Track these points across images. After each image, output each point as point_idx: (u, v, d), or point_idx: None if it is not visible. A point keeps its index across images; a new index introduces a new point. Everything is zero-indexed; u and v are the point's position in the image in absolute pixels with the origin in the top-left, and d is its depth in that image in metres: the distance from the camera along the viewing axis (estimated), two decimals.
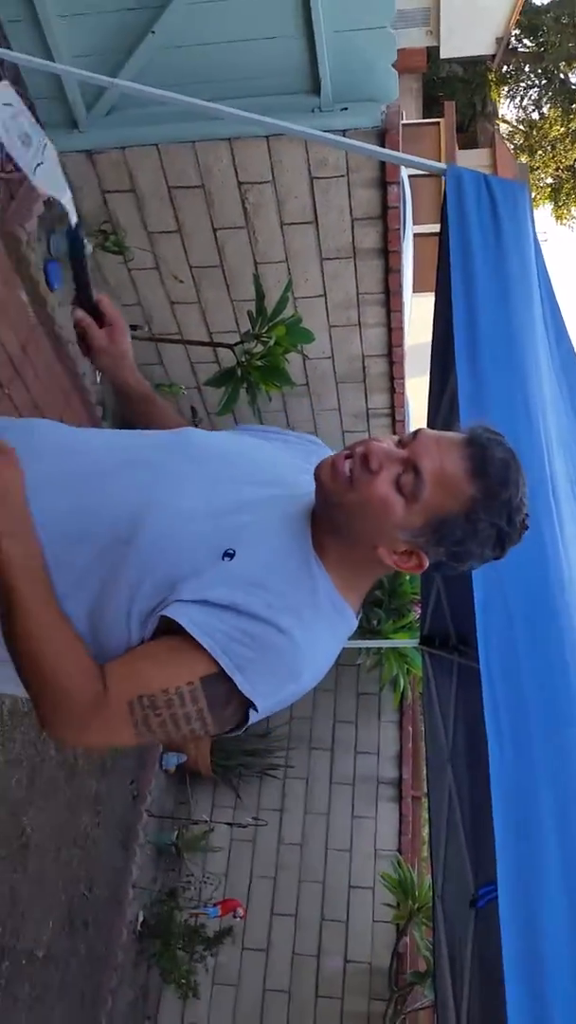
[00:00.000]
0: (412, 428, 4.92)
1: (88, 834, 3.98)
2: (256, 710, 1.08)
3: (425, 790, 4.85)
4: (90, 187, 3.57)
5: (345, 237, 3.65)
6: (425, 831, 4.99)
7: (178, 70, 3.20)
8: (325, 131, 2.53)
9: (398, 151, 3.38)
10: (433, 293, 2.59)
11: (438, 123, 13.73)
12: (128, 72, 3.18)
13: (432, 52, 17.67)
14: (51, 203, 3.59)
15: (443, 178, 2.47)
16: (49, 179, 1.26)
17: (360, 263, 3.72)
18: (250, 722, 1.11)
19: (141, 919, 4.45)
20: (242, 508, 1.15)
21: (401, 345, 3.99)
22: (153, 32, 3.12)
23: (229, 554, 1.09)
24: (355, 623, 1.20)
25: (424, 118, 16.35)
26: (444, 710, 3.67)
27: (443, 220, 2.54)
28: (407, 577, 4.96)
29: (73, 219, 1.30)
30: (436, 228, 2.62)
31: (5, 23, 3.13)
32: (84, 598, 1.10)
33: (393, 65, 3.22)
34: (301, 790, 5.34)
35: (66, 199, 1.26)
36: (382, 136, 3.29)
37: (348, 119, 3.28)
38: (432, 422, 2.65)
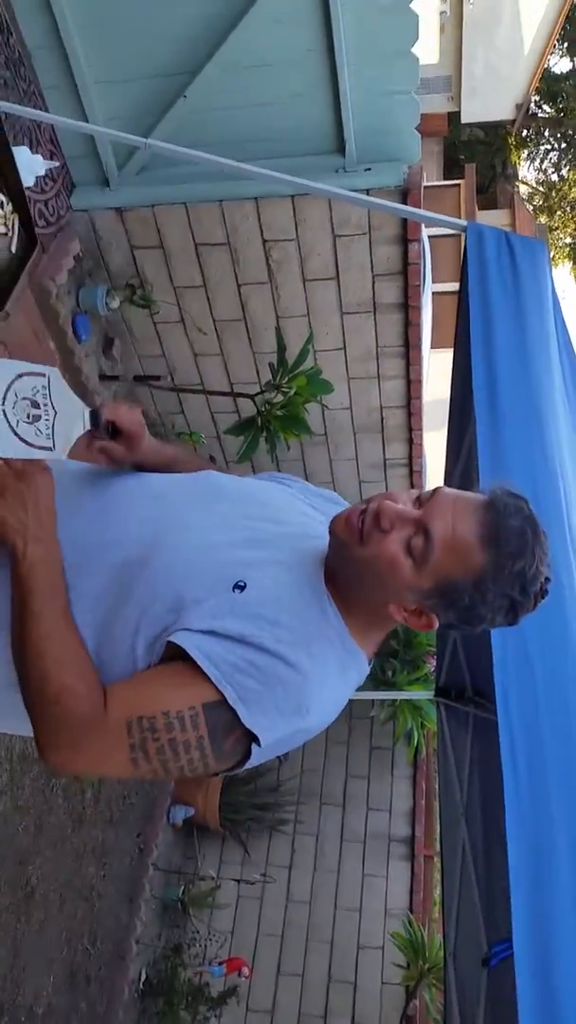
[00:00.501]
0: (429, 478, 4.93)
1: (93, 886, 3.92)
2: (259, 745, 1.05)
3: (438, 849, 4.75)
4: (119, 243, 3.67)
5: (366, 292, 3.72)
6: (437, 891, 4.88)
7: (208, 132, 3.31)
8: (349, 190, 2.62)
9: (418, 204, 3.47)
10: (451, 349, 2.63)
11: (459, 184, 14.01)
12: (160, 134, 3.29)
13: (453, 117, 18.17)
14: (80, 258, 3.68)
15: (463, 235, 2.53)
16: (69, 426, 1.17)
17: (380, 317, 3.78)
18: (252, 760, 1.08)
19: (144, 977, 4.34)
20: (256, 543, 1.15)
21: (419, 397, 4.03)
22: (185, 96, 3.24)
23: (240, 586, 1.08)
24: (367, 668, 1.19)
25: (445, 180, 16.73)
26: (459, 763, 3.62)
27: (463, 275, 2.59)
28: None
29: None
30: (455, 287, 2.67)
31: (45, 89, 3.26)
32: (93, 621, 1.10)
33: (416, 128, 3.32)
34: (311, 846, 5.25)
35: (83, 417, 1.18)
36: (404, 195, 3.38)
37: (371, 179, 3.38)
38: (450, 474, 2.67)
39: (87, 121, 3.24)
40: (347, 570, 1.11)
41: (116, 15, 3.07)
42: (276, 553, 1.15)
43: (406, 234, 3.52)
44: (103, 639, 1.09)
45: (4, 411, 1.08)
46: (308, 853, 5.22)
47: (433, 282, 6.63)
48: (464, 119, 18.15)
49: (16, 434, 1.08)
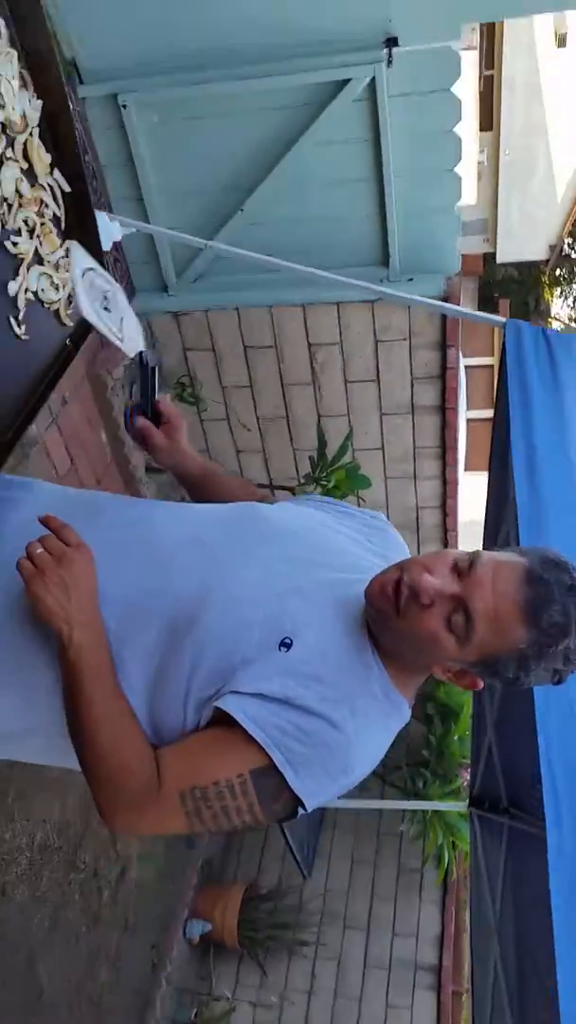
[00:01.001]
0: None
1: (103, 995, 3.71)
2: (305, 809, 1.08)
3: (467, 985, 4.44)
4: (173, 344, 3.89)
5: (405, 394, 3.86)
6: None
7: (262, 243, 3.54)
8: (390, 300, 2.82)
9: (458, 320, 3.64)
10: (486, 472, 2.70)
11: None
12: (208, 255, 3.56)
13: (489, 257, 19.05)
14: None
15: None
16: (131, 331, 1.33)
17: (418, 419, 3.91)
18: (298, 816, 1.10)
19: None
20: (301, 593, 1.15)
21: (455, 497, 4.10)
22: (242, 210, 3.50)
23: (286, 644, 1.09)
24: (408, 715, 1.19)
25: None
26: (492, 876, 3.46)
27: (501, 368, 2.68)
28: (455, 737, 4.80)
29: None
30: (489, 413, 2.76)
31: (115, 200, 3.55)
32: (144, 673, 1.12)
33: (457, 242, 3.54)
34: (332, 971, 4.93)
35: (140, 340, 1.32)
36: (444, 302, 3.55)
37: (413, 288, 3.56)
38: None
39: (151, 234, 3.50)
40: (385, 636, 1.12)
41: (182, 136, 3.37)
42: (320, 604, 1.15)
43: (445, 340, 3.68)
44: (156, 694, 1.12)
45: (82, 288, 1.20)
46: (329, 978, 4.91)
47: (467, 408, 6.87)
48: (499, 259, 18.98)
49: (94, 311, 1.19)
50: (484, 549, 1.14)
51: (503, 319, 2.67)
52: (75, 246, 1.39)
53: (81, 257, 1.35)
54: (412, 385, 3.84)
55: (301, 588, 1.16)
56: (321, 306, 3.68)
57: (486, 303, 19.77)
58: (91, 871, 3.63)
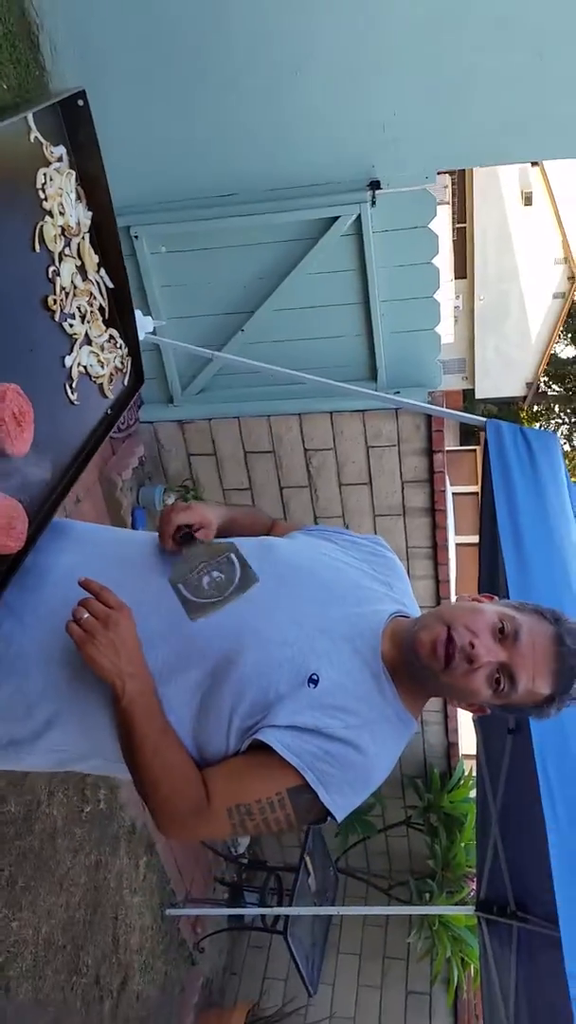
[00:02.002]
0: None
1: None
2: (335, 819, 1.26)
3: None
4: (178, 450, 4.17)
5: (396, 497, 4.11)
6: None
7: (261, 359, 3.89)
8: (380, 409, 3.10)
9: (442, 428, 3.94)
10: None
11: (475, 450, 15.09)
12: (216, 364, 3.88)
13: (468, 394, 19.92)
14: (143, 461, 4.21)
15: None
16: None
17: (409, 520, 4.14)
18: (327, 823, 1.29)
19: None
20: (323, 632, 1.31)
21: (449, 596, 4.27)
22: (243, 330, 3.86)
23: (313, 680, 1.26)
24: (415, 727, 1.37)
25: (462, 446, 18.05)
26: (503, 981, 3.40)
27: (485, 465, 2.94)
28: (462, 845, 4.75)
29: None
30: (475, 538, 3.00)
31: None
32: (189, 707, 1.28)
33: (437, 359, 3.88)
34: None
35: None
36: (428, 414, 3.86)
37: (400, 399, 3.87)
38: None
39: (159, 347, 3.84)
40: (423, 680, 1.29)
41: (188, 264, 3.76)
42: (340, 639, 1.32)
43: (431, 446, 3.97)
44: (200, 727, 1.28)
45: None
46: None
47: (455, 534, 7.15)
48: (478, 395, 19.81)
49: None
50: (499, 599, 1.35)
51: (483, 420, 2.95)
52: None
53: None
54: (403, 488, 4.10)
55: (322, 628, 1.31)
56: (316, 415, 3.99)
57: (468, 437, 20.52)
58: (93, 977, 3.55)
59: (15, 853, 3.06)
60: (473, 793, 4.47)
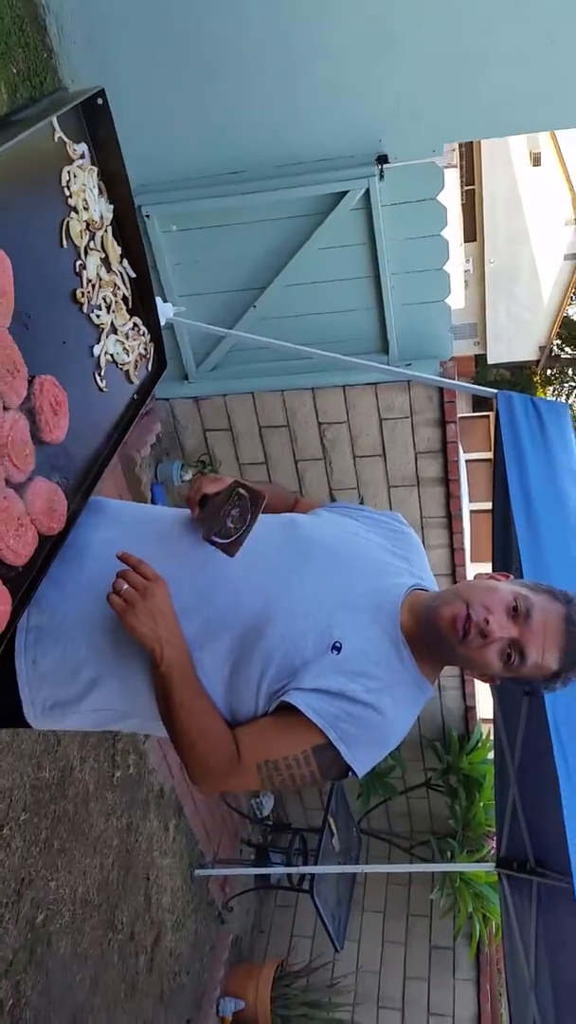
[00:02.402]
0: None
1: None
2: (356, 775, 1.35)
3: None
4: (194, 426, 4.25)
5: (409, 468, 4.18)
6: None
7: (272, 336, 3.95)
8: (392, 382, 3.16)
9: (454, 399, 3.99)
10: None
11: (487, 416, 15.04)
12: (229, 341, 3.95)
13: (480, 359, 19.79)
14: (161, 438, 4.30)
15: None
16: None
17: (423, 490, 4.21)
18: (348, 777, 1.38)
19: None
20: (345, 603, 1.40)
21: (463, 564, 4.35)
22: (255, 307, 3.92)
23: (336, 648, 1.36)
24: (431, 692, 1.46)
25: (475, 412, 18.02)
26: (524, 936, 3.52)
27: (497, 436, 3.01)
28: (481, 805, 4.88)
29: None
30: (488, 505, 3.06)
31: None
32: (221, 672, 1.38)
33: (448, 330, 3.93)
34: None
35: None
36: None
37: (412, 372, 3.93)
38: None
39: (172, 327, 3.91)
40: (440, 650, 1.39)
41: (199, 243, 3.82)
42: (361, 609, 1.41)
43: (444, 417, 4.03)
44: (231, 689, 1.38)
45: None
46: None
47: (469, 501, 7.21)
48: (490, 360, 19.70)
49: None
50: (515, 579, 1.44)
51: (495, 391, 3.01)
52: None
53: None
54: (416, 459, 4.17)
55: (345, 600, 1.41)
56: (329, 389, 4.06)
57: (481, 403, 20.46)
58: (128, 933, 3.72)
59: (51, 817, 3.20)
60: (491, 755, 4.59)
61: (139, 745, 4.10)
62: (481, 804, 4.81)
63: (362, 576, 1.46)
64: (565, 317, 20.75)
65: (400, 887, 5.54)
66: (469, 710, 5.09)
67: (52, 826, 3.21)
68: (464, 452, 4.36)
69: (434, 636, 1.37)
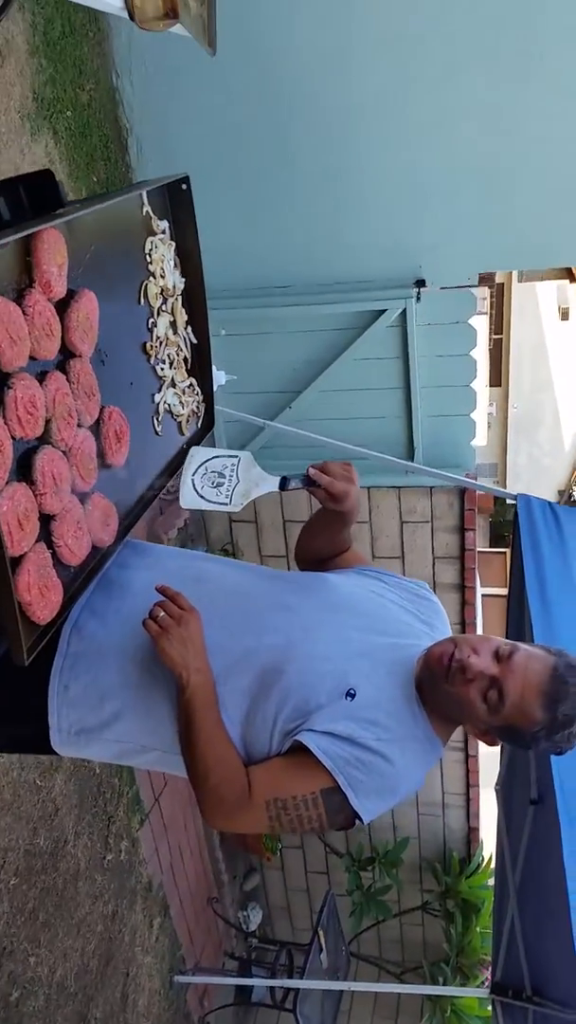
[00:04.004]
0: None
1: None
2: (362, 822, 1.39)
3: None
4: (220, 516, 4.40)
5: (426, 572, 4.28)
6: None
7: (304, 436, 4.17)
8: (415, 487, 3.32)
9: (474, 508, 4.15)
10: None
11: (504, 552, 15.16)
12: (268, 432, 4.16)
13: (499, 498, 20.08)
14: (188, 523, 4.45)
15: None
16: (249, 488, 1.58)
17: (439, 595, 4.26)
18: (355, 827, 1.43)
19: None
20: (364, 655, 1.49)
21: None
22: (290, 408, 4.15)
23: (351, 694, 1.43)
24: (442, 752, 1.51)
25: (492, 548, 18.16)
26: None
27: (515, 536, 3.13)
28: (477, 930, 4.68)
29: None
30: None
31: None
32: (240, 708, 1.45)
33: (471, 442, 4.13)
34: None
35: (272, 483, 1.60)
36: (462, 492, 4.08)
37: (434, 478, 4.11)
38: None
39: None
40: (433, 692, 1.46)
41: (245, 347, 4.09)
42: (379, 662, 1.48)
43: (463, 524, 4.17)
44: (247, 726, 1.45)
45: (194, 480, 1.59)
46: None
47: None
48: (509, 500, 19.94)
49: (199, 494, 1.57)
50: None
51: (515, 493, 3.16)
52: (196, 449, 1.67)
53: (200, 455, 1.62)
54: (434, 564, 4.28)
55: (364, 651, 1.49)
56: None
57: (497, 540, 20.63)
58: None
59: (40, 887, 3.15)
60: (491, 881, 4.45)
61: (133, 832, 4.05)
62: (478, 930, 4.62)
63: (384, 632, 1.54)
64: None
65: (387, 1020, 5.24)
66: (472, 831, 4.97)
67: (40, 897, 3.15)
68: (481, 586, 4.45)
69: (428, 677, 1.44)
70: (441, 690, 1.41)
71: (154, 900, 4.29)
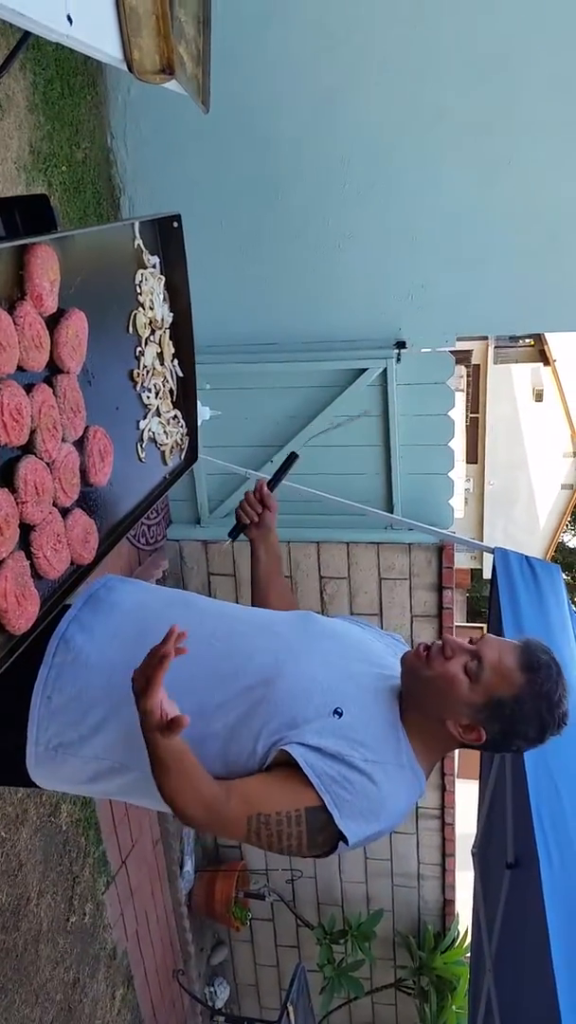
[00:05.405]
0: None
1: None
2: (346, 843, 1.37)
3: None
4: (200, 568, 4.39)
5: (405, 630, 4.26)
6: None
7: (286, 489, 4.19)
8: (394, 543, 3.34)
9: (452, 566, 4.17)
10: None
11: (482, 628, 15.16)
12: (250, 484, 4.18)
13: (476, 573, 20.24)
14: (166, 574, 4.39)
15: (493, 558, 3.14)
16: None
17: None
18: (337, 852, 1.39)
19: None
20: (350, 679, 1.52)
21: None
22: (272, 462, 4.19)
23: (338, 712, 1.44)
24: (424, 786, 1.52)
25: (468, 624, 18.20)
26: None
27: (492, 587, 3.15)
28: (453, 1008, 4.50)
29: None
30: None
31: None
32: (225, 725, 1.46)
33: (449, 501, 4.18)
34: None
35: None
36: (440, 550, 4.11)
37: (413, 536, 4.14)
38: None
39: (192, 471, 4.15)
40: (416, 689, 1.48)
41: (227, 401, 4.13)
42: (364, 688, 1.51)
43: (441, 583, 4.18)
44: (232, 739, 1.45)
45: None
46: None
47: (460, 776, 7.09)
48: (486, 575, 20.13)
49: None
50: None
51: (492, 546, 3.20)
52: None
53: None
54: (412, 622, 4.27)
55: (350, 676, 1.53)
56: (334, 544, 4.24)
57: (474, 615, 20.68)
58: None
59: None
60: (467, 956, 4.30)
61: (98, 894, 3.89)
62: (454, 1008, 4.44)
63: (368, 662, 1.58)
64: (560, 543, 21.41)
65: None
66: (447, 904, 4.83)
67: None
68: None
69: (410, 679, 1.47)
70: (422, 680, 1.44)
71: (118, 968, 4.10)
